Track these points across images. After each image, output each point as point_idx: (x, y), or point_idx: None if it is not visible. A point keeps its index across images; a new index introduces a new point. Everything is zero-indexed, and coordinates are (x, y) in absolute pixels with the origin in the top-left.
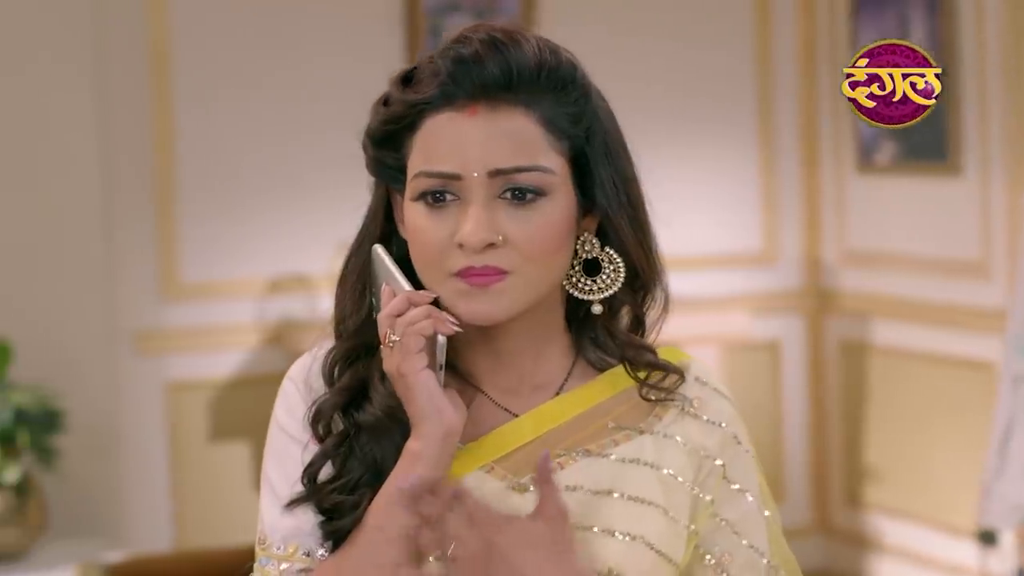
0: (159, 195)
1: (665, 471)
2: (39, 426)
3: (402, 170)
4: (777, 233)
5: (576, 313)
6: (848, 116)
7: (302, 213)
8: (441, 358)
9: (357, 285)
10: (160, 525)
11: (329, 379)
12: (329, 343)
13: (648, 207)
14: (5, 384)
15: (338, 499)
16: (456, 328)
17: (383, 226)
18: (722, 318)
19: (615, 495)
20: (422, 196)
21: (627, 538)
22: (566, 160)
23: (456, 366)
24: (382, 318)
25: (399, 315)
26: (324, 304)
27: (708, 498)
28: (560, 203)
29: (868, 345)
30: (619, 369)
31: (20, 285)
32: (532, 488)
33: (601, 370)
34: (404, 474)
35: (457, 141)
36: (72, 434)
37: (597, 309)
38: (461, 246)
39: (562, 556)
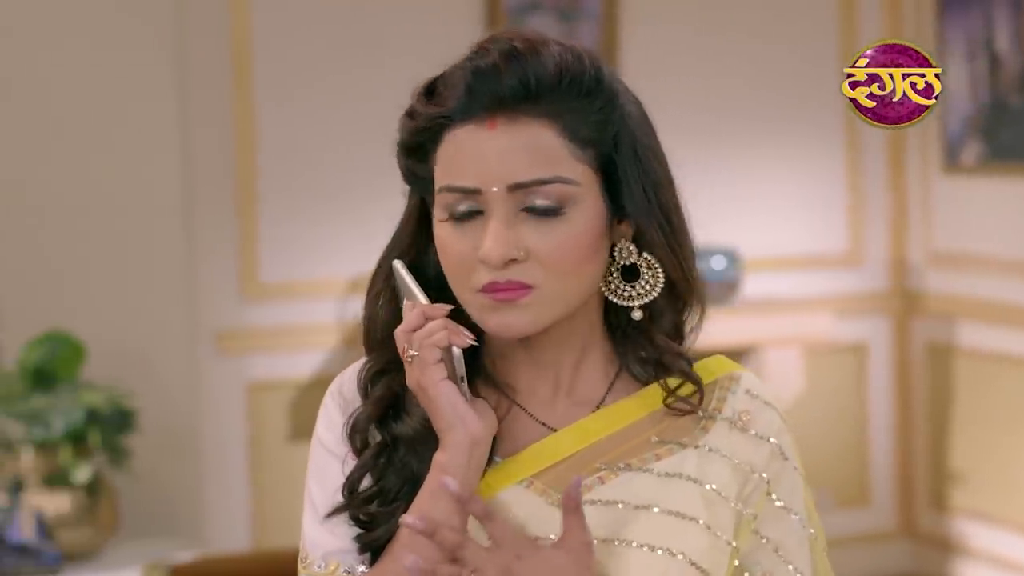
0: (240, 195)
1: (708, 486)
2: (111, 426)
3: (431, 181)
4: (863, 234)
5: (618, 322)
6: (934, 117)
7: (382, 213)
8: (460, 370)
9: (385, 294)
10: (239, 526)
11: (364, 391)
12: (363, 359)
13: (684, 213)
14: (78, 384)
15: (373, 510)
16: (471, 341)
17: (415, 235)
18: (806, 319)
19: (655, 509)
20: (446, 211)
21: (667, 553)
22: (593, 168)
23: (495, 378)
24: (399, 333)
25: (415, 330)
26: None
27: (751, 513)
28: (586, 214)
29: (954, 347)
30: (661, 383)
31: (97, 285)
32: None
33: (645, 383)
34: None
35: (477, 155)
36: (146, 434)
37: (637, 315)
38: (483, 261)
39: None
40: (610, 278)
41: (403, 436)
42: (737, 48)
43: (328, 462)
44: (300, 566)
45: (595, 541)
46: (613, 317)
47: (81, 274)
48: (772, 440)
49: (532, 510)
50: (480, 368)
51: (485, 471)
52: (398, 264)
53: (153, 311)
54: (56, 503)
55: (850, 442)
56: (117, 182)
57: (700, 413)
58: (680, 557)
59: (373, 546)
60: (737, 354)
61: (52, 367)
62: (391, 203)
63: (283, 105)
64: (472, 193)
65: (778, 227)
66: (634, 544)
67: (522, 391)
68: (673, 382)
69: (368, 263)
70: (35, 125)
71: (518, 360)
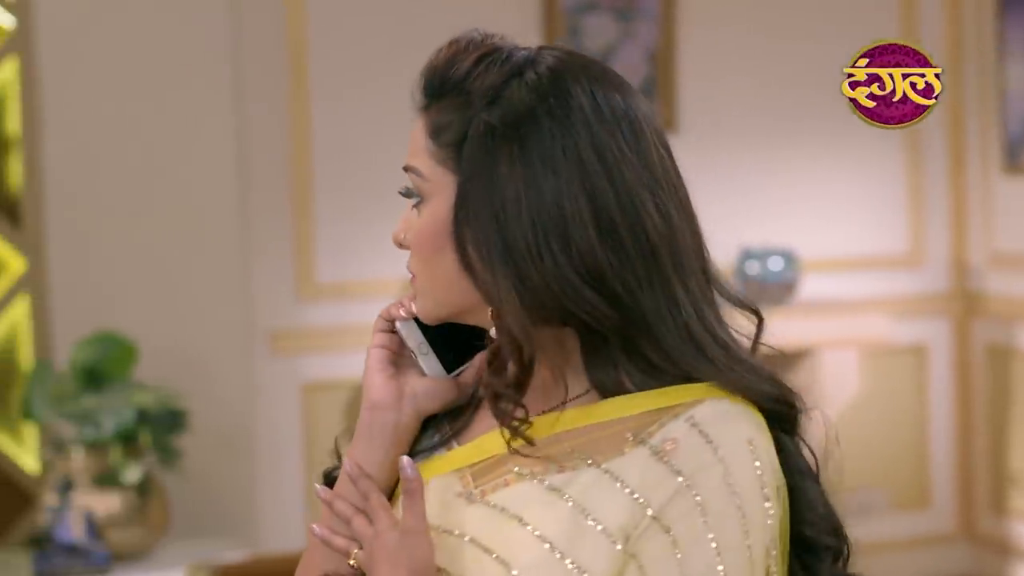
0: (295, 195)
1: (581, 510)
2: (162, 426)
3: None
4: (922, 235)
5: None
6: (995, 117)
7: None
8: (411, 343)
9: None
10: (292, 526)
11: None
12: None
13: (541, 260)
14: (129, 384)
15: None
16: (405, 316)
17: None
18: (864, 321)
19: (520, 523)
20: None
21: (499, 562)
22: (451, 170)
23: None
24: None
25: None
26: None
27: (637, 549)
28: (432, 211)
29: (1014, 349)
30: (618, 401)
31: (151, 285)
32: (479, 499)
33: (604, 397)
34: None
35: None
36: (198, 434)
37: (493, 333)
38: None
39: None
40: None
41: None
42: (795, 48)
43: None
44: None
45: (471, 539)
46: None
47: (134, 274)
48: (684, 475)
49: (447, 500)
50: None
51: (432, 452)
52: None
53: (207, 311)
54: (106, 503)
55: (909, 444)
56: (172, 182)
57: (629, 436)
58: (508, 568)
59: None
60: (793, 356)
61: (103, 367)
62: None
63: (338, 105)
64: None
65: (836, 228)
66: (489, 552)
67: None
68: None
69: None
70: (90, 126)
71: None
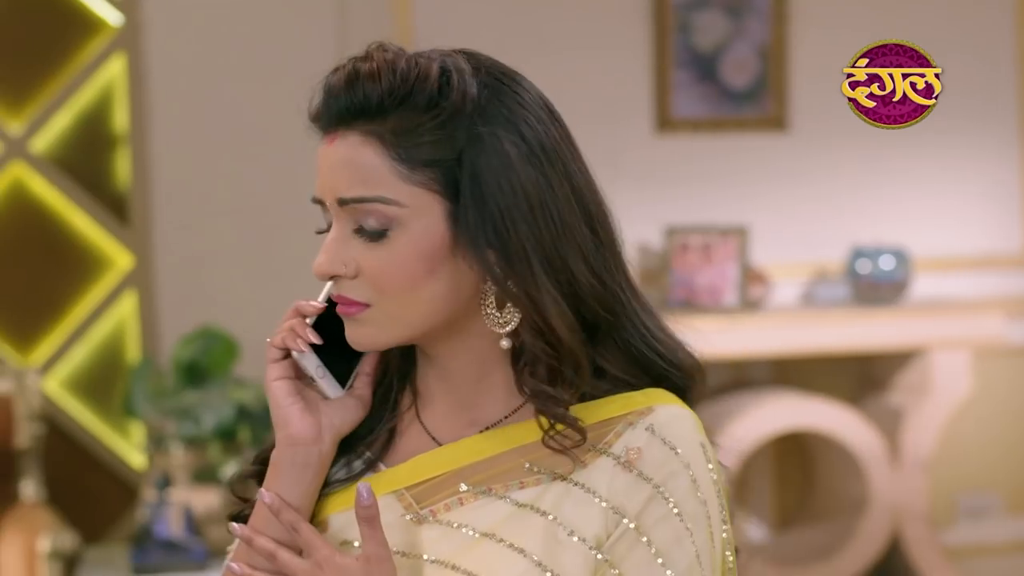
0: None
1: (559, 523)
2: (261, 423)
3: None
4: None
5: (522, 349)
6: None
7: None
8: (309, 370)
9: None
10: None
11: None
12: None
13: (558, 256)
14: (230, 380)
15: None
16: (303, 348)
17: None
18: (977, 321)
19: (493, 539)
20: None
21: None
22: (435, 190)
23: (413, 385)
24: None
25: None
26: None
27: (616, 558)
28: (413, 237)
29: None
30: (575, 408)
31: (254, 282)
32: (431, 519)
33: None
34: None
35: (321, 167)
36: None
37: (504, 344)
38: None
39: None
40: (485, 301)
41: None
42: None
43: None
44: None
45: (431, 559)
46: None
47: (238, 270)
48: (654, 483)
49: (391, 521)
50: (407, 373)
51: (359, 477)
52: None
53: None
54: (205, 499)
55: (1021, 447)
56: (278, 178)
57: (588, 447)
58: None
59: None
60: (903, 356)
61: (205, 363)
62: None
63: None
64: (318, 203)
65: (949, 226)
66: (458, 569)
67: (427, 402)
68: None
69: None
70: (197, 123)
71: (428, 375)
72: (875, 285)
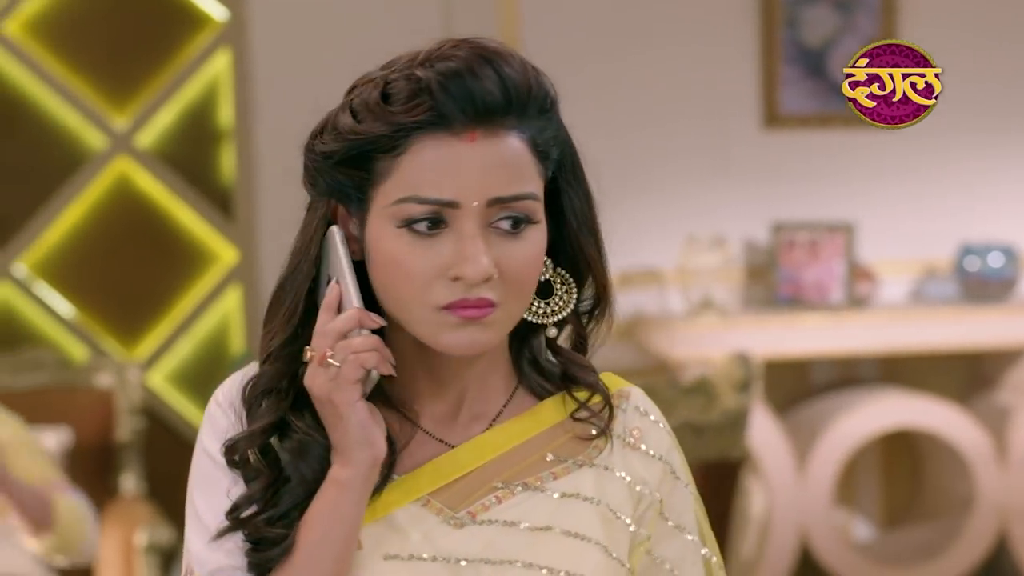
0: None
1: (606, 506)
2: None
3: (363, 189)
4: None
5: (516, 336)
6: None
7: (652, 206)
8: (368, 388)
9: (288, 310)
10: None
11: (247, 406)
12: (254, 367)
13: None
14: None
15: (268, 532)
16: (393, 371)
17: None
18: None
19: (554, 531)
20: (407, 224)
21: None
22: (544, 184)
23: (390, 395)
24: (326, 331)
25: (344, 334)
26: (673, 299)
27: (645, 533)
28: (541, 231)
29: None
30: (559, 397)
31: None
32: (471, 521)
33: (541, 398)
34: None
35: (455, 168)
36: None
37: (552, 332)
38: (456, 279)
39: None
40: None
41: (290, 465)
42: (1014, 41)
43: (215, 476)
44: None
45: (486, 560)
46: (512, 334)
47: None
48: (663, 459)
49: (428, 529)
50: (378, 388)
51: (382, 489)
52: (337, 236)
53: None
54: None
55: None
56: None
57: (592, 431)
58: None
59: (266, 566)
60: (1012, 354)
61: None
62: (661, 196)
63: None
64: (447, 206)
65: None
66: (534, 566)
67: (419, 408)
68: (582, 395)
69: (638, 257)
70: (301, 118)
71: (416, 377)
72: (984, 282)
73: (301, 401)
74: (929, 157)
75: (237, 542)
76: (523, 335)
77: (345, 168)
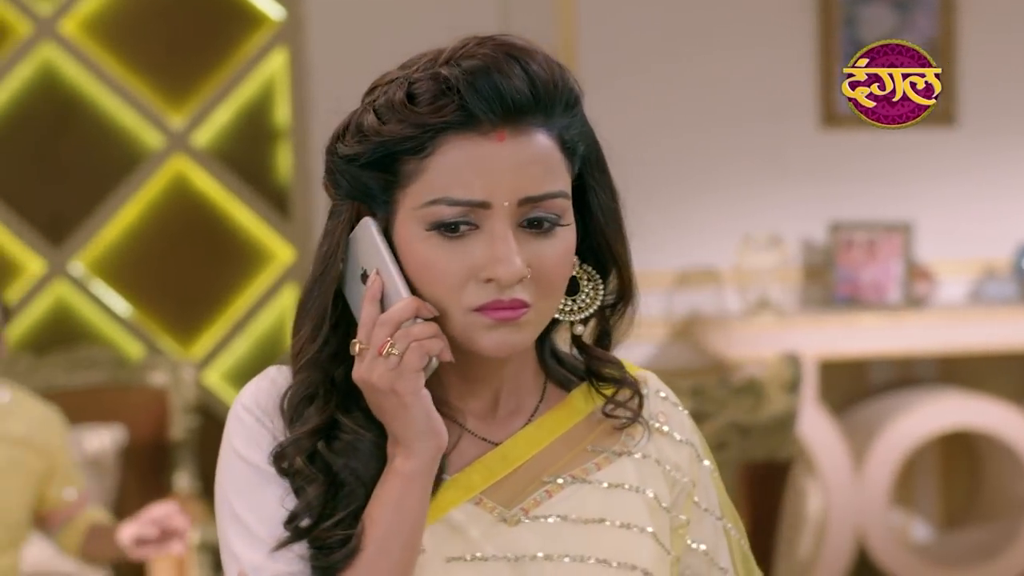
0: None
1: (649, 494)
2: None
3: (388, 192)
4: None
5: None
6: None
7: (710, 205)
8: (425, 378)
9: (318, 315)
10: None
11: (289, 415)
12: (277, 370)
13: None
14: None
15: (331, 536)
16: (451, 357)
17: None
18: None
19: (608, 522)
20: (437, 226)
21: (624, 567)
22: (571, 181)
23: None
24: (382, 320)
25: (400, 323)
26: (731, 299)
27: (683, 518)
28: (572, 228)
29: None
30: (585, 387)
31: None
32: (524, 518)
33: (568, 389)
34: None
35: (485, 168)
36: None
37: (579, 330)
38: (489, 280)
39: None
40: None
41: (342, 467)
42: None
43: (263, 486)
44: None
45: (545, 556)
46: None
47: None
48: (689, 441)
49: (485, 528)
50: None
51: (436, 489)
52: (373, 226)
53: None
54: None
55: None
56: None
57: (641, 417)
58: (637, 571)
59: (332, 569)
60: None
61: None
62: (718, 195)
63: (610, 94)
64: (477, 207)
65: None
66: (591, 560)
67: (456, 407)
68: (608, 390)
69: (695, 256)
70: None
71: (452, 376)
72: None
73: (346, 401)
74: (988, 156)
75: (296, 549)
76: (546, 330)
77: (370, 171)
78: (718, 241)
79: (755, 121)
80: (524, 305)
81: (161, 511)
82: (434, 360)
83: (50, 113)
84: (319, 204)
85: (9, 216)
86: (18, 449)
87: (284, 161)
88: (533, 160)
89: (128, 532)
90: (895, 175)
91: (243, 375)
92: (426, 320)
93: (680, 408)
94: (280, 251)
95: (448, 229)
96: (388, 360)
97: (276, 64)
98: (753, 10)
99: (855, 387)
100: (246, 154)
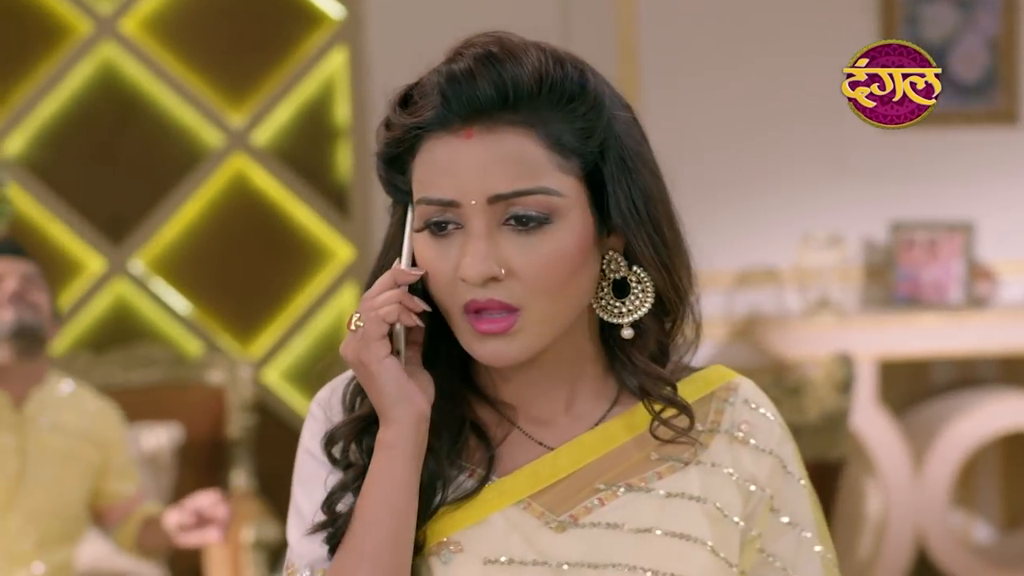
0: None
1: (713, 505)
2: None
3: (406, 188)
4: None
5: (611, 336)
6: None
7: (771, 205)
8: (399, 344)
9: None
10: None
11: (349, 406)
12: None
13: (679, 226)
14: None
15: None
16: (418, 321)
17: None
18: None
19: (658, 532)
20: (425, 226)
21: None
22: (579, 179)
23: (490, 397)
24: (363, 298)
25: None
26: (790, 299)
27: (755, 532)
28: (572, 228)
29: None
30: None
31: None
32: (573, 524)
33: (642, 398)
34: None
35: (453, 166)
36: None
37: (627, 333)
38: (463, 280)
39: None
40: (601, 293)
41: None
42: None
43: (315, 472)
44: (285, 574)
45: (590, 564)
46: (607, 330)
47: None
48: (773, 452)
49: (528, 532)
50: (473, 383)
51: (479, 490)
52: (409, 211)
53: None
54: None
55: None
56: None
57: (698, 427)
58: None
59: (334, 545)
60: None
61: None
62: (779, 195)
63: (671, 94)
64: (450, 206)
65: None
66: (637, 569)
67: (519, 409)
68: (658, 407)
69: (755, 256)
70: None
71: (514, 378)
72: None
73: None
74: None
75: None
76: (615, 336)
77: (388, 169)
78: (779, 241)
79: (816, 121)
80: (507, 309)
81: (203, 500)
82: (398, 326)
83: (110, 112)
84: (378, 203)
85: (70, 215)
86: (75, 440)
87: (343, 160)
88: (503, 158)
89: (172, 518)
90: (956, 174)
91: (302, 373)
92: (406, 287)
93: (770, 417)
94: (339, 250)
95: (437, 228)
96: (356, 333)
97: (336, 63)
98: (815, 10)
99: (916, 387)
100: (306, 153)
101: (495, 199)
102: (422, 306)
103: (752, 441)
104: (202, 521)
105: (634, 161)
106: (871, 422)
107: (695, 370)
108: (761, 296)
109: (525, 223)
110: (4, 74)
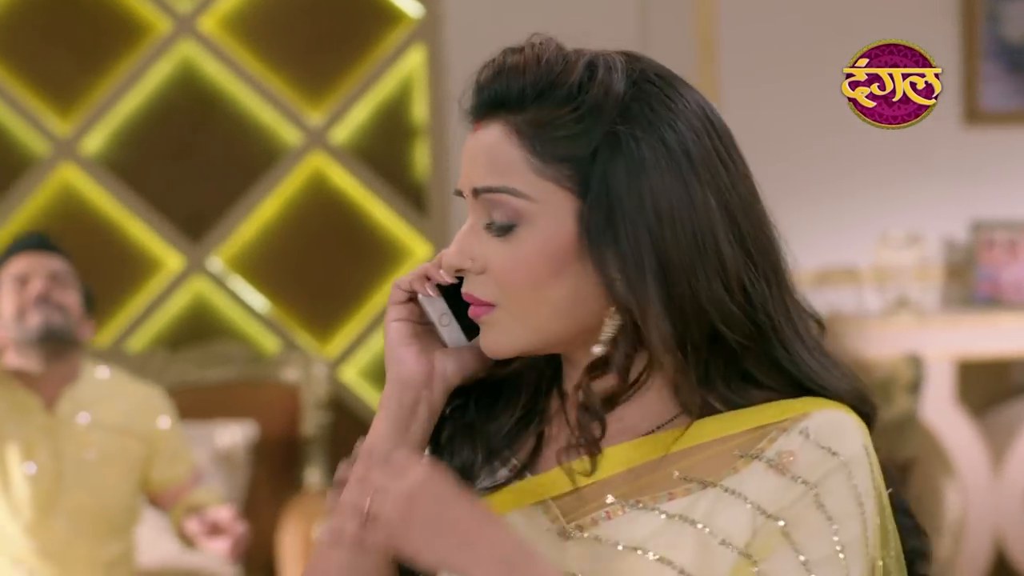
0: None
1: (710, 531)
2: None
3: None
4: None
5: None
6: None
7: (850, 204)
8: (433, 315)
9: None
10: None
11: None
12: None
13: (701, 264)
14: None
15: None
16: (430, 292)
17: None
18: None
19: (640, 552)
20: None
21: None
22: (567, 187)
23: (561, 391)
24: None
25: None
26: (870, 298)
27: (754, 570)
28: (538, 234)
29: None
30: (719, 418)
31: None
32: (577, 534)
33: (700, 416)
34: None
35: (463, 158)
36: None
37: (596, 350)
38: None
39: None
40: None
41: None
42: None
43: None
44: None
45: None
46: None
47: None
48: (808, 483)
49: (538, 535)
50: (555, 377)
51: (504, 486)
52: None
53: None
54: None
55: None
56: None
57: (737, 453)
58: None
59: None
60: None
61: None
62: (858, 194)
63: (750, 93)
64: (460, 195)
65: None
66: None
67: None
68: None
69: (834, 255)
70: None
71: (572, 377)
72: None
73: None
74: None
75: None
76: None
77: None
78: (858, 240)
79: None
80: (481, 303)
81: (223, 513)
82: (420, 297)
83: (189, 110)
84: (456, 201)
85: (149, 213)
86: (115, 436)
87: (421, 158)
88: (484, 153)
89: (189, 525)
90: None
91: (379, 371)
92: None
93: (828, 453)
94: (417, 248)
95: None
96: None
97: (414, 61)
98: (895, 8)
99: (996, 388)
100: (384, 151)
101: (475, 192)
102: (442, 279)
103: (790, 472)
104: (216, 530)
105: (622, 183)
106: (949, 422)
107: (798, 397)
108: (840, 295)
109: (497, 226)
110: (84, 73)
